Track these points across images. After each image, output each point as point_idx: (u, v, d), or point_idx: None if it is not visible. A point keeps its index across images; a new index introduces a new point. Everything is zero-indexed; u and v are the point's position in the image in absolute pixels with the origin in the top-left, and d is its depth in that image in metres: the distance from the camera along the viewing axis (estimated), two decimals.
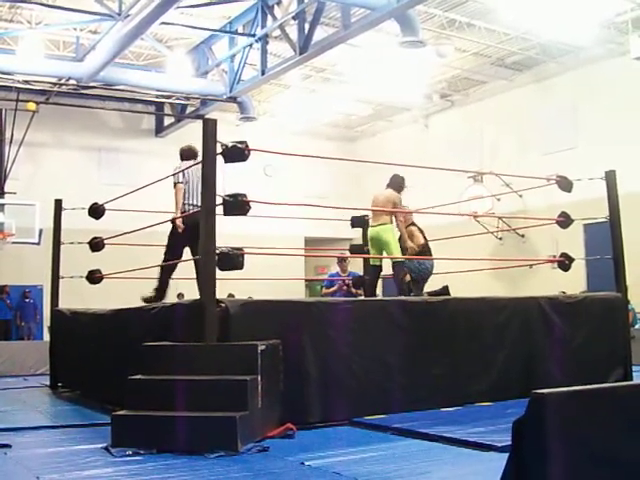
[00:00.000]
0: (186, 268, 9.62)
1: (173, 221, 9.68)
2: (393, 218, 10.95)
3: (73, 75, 19.27)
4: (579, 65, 20.46)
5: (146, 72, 20.71)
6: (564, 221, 10.26)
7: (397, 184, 11.08)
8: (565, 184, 10.18)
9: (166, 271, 10.00)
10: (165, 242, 9.94)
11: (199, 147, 7.43)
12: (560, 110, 20.98)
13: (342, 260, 13.47)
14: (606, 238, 9.86)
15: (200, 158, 7.45)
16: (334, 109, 25.32)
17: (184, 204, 9.62)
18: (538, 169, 16.46)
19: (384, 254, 10.99)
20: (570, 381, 3.94)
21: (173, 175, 9.69)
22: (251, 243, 11.02)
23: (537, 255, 19.21)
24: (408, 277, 11.11)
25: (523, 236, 21.14)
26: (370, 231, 11.11)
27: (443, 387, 7.99)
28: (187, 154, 10.04)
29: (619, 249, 9.69)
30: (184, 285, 10.35)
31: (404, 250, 11.10)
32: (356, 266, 13.90)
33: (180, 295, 16.77)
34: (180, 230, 9.50)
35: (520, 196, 20.10)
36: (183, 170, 9.57)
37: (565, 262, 10.20)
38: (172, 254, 9.74)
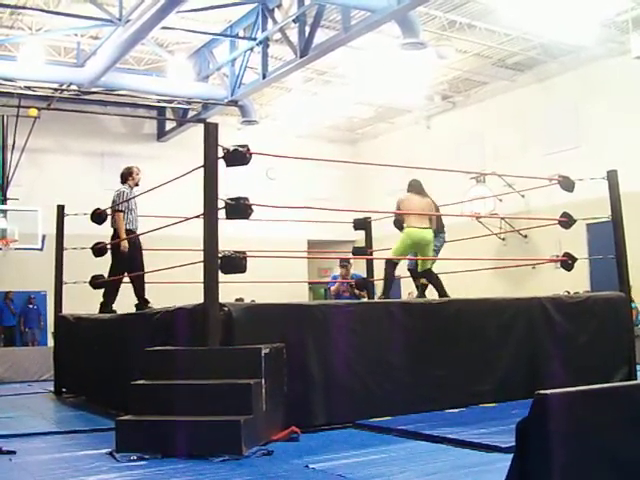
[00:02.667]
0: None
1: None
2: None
3: (74, 81, 19.30)
4: (580, 65, 20.46)
5: (147, 77, 20.75)
6: (566, 221, 10.26)
7: (421, 187, 10.80)
8: (567, 184, 10.18)
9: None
10: (167, 246, 10.08)
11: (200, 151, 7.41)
12: (562, 110, 20.97)
13: (344, 265, 13.46)
14: (609, 238, 9.85)
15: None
16: (336, 112, 25.30)
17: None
18: (540, 169, 16.46)
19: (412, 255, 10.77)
20: (574, 381, 3.94)
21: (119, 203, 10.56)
22: (254, 246, 11.02)
23: (540, 255, 19.20)
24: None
25: (526, 236, 21.12)
26: (416, 232, 10.32)
27: (447, 388, 7.98)
28: (124, 177, 10.70)
29: (622, 248, 9.68)
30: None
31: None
32: (359, 267, 13.90)
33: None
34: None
35: (522, 196, 20.11)
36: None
37: (568, 262, 10.20)
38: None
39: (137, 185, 10.63)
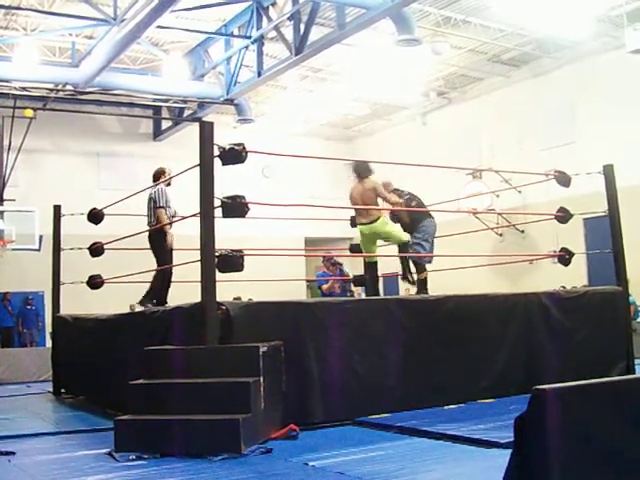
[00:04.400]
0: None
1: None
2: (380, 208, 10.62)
3: (70, 81, 19.28)
4: (575, 60, 20.48)
5: (143, 76, 20.73)
6: (563, 216, 10.27)
7: (366, 169, 10.63)
8: (563, 179, 10.17)
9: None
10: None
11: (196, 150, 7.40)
12: (557, 105, 20.98)
13: (330, 264, 13.44)
14: (606, 232, 9.86)
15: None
16: (331, 109, 25.31)
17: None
18: (537, 164, 16.48)
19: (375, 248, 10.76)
20: (572, 376, 3.94)
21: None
22: (251, 245, 11.04)
23: (537, 250, 19.23)
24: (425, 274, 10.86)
25: (523, 232, 21.14)
26: (362, 228, 10.57)
27: (445, 385, 7.99)
28: (157, 176, 10.63)
29: (619, 243, 9.70)
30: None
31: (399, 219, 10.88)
32: (357, 265, 13.89)
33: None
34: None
35: (519, 192, 20.11)
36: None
37: (565, 257, 10.22)
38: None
39: (169, 185, 10.47)
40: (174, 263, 10.18)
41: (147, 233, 10.40)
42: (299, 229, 24.15)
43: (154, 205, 10.30)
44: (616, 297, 9.70)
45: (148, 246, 10.62)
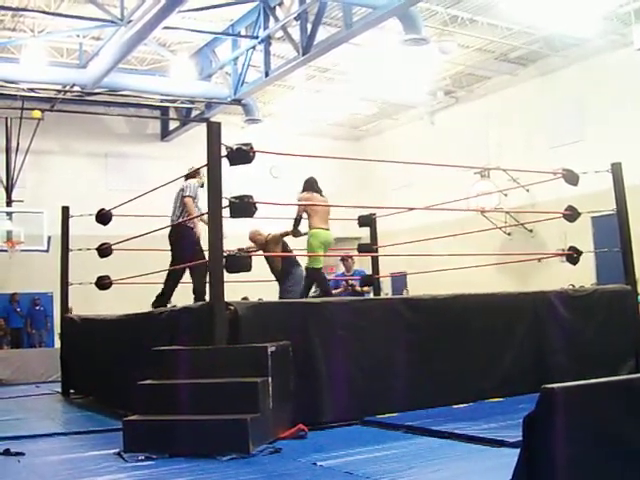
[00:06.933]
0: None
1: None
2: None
3: (77, 82, 19.31)
4: (583, 58, 20.41)
5: (150, 77, 20.73)
6: (571, 215, 10.25)
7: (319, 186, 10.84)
8: (571, 177, 10.15)
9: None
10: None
11: (203, 150, 7.40)
12: (565, 103, 20.92)
13: (346, 259, 13.46)
14: (614, 230, 9.84)
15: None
16: (339, 109, 25.29)
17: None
18: (545, 163, 16.44)
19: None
20: (581, 374, 3.92)
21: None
22: None
23: (546, 249, 19.18)
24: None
25: (531, 231, 21.09)
26: (326, 235, 10.68)
27: (454, 384, 7.97)
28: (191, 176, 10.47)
29: (627, 241, 9.68)
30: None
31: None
32: (365, 264, 13.89)
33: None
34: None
35: (527, 191, 20.07)
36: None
37: (574, 255, 10.20)
38: None
39: (202, 186, 10.19)
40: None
41: (168, 230, 10.29)
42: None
43: (182, 195, 10.18)
44: (625, 295, 9.68)
45: (156, 247, 10.61)
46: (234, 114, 23.34)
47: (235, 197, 7.29)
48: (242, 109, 21.99)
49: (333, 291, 13.27)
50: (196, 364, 6.54)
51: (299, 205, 10.39)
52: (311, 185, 10.64)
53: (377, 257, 12.56)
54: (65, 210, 11.44)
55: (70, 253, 11.30)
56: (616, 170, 9.78)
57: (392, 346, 7.80)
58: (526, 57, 21.79)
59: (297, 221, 10.69)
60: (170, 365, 6.62)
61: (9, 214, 20.06)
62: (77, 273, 11.31)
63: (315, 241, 10.39)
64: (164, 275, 10.45)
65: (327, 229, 10.50)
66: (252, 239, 11.47)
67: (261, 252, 11.18)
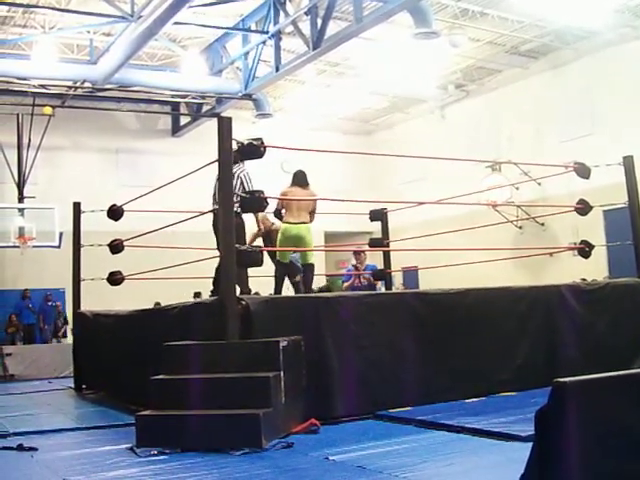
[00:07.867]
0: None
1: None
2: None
3: (88, 78, 19.35)
4: (594, 50, 20.31)
5: (161, 72, 20.75)
6: (583, 208, 10.21)
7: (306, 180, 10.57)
8: (583, 171, 10.12)
9: None
10: (183, 241, 10.02)
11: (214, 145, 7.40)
12: (576, 96, 20.82)
13: (358, 252, 13.45)
14: (626, 224, 9.80)
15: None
16: (349, 103, 25.26)
17: None
18: (556, 156, 16.36)
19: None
20: (593, 368, 3.91)
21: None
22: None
23: (557, 243, 19.14)
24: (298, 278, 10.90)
25: (543, 224, 21.04)
26: (295, 229, 10.24)
27: (466, 378, 7.96)
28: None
29: (639, 234, 9.64)
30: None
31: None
32: (376, 259, 13.89)
33: (197, 294, 16.87)
34: None
35: (539, 184, 20.00)
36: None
37: (585, 249, 10.17)
38: None
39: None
40: None
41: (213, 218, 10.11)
42: (318, 223, 24.06)
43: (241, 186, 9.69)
44: (637, 289, 9.64)
45: (168, 243, 10.63)
46: (245, 109, 23.35)
47: (246, 192, 7.30)
48: (253, 104, 22.01)
49: (344, 284, 13.29)
50: (208, 359, 6.54)
51: (278, 199, 10.30)
52: (295, 178, 10.53)
53: (389, 252, 12.56)
54: (77, 206, 11.47)
55: (82, 249, 11.33)
56: (628, 163, 9.74)
57: (404, 340, 7.79)
58: (537, 50, 21.71)
59: (276, 215, 10.69)
60: (182, 360, 6.63)
61: (21, 210, 20.15)
62: (89, 269, 11.34)
63: (280, 236, 10.35)
64: (176, 271, 10.47)
65: (298, 223, 10.29)
66: (262, 222, 11.35)
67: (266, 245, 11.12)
